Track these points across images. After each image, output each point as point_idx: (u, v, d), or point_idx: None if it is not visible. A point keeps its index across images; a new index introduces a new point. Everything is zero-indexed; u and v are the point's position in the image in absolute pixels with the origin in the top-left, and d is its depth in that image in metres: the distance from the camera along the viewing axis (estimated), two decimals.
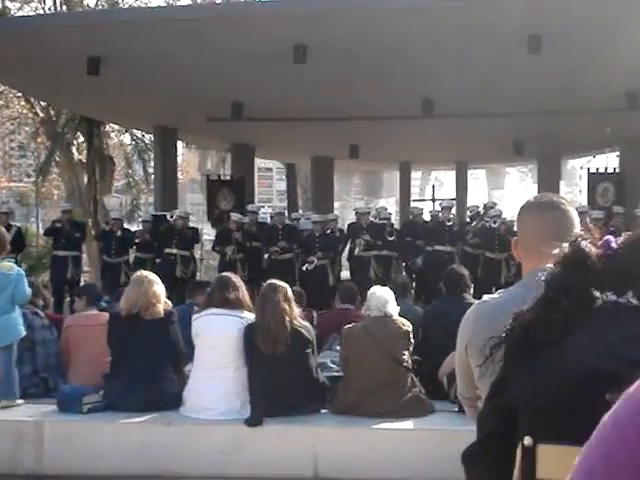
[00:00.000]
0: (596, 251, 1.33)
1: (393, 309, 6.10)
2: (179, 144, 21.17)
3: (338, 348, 6.48)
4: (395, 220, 17.75)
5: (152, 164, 21.77)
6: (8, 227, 11.25)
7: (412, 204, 21.84)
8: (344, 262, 14.61)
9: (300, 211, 20.40)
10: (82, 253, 14.91)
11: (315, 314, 7.89)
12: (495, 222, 13.15)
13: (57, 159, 24.76)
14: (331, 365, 6.49)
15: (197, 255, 15.61)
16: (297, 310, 5.98)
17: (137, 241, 13.97)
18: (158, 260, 13.42)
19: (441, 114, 13.15)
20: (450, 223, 13.68)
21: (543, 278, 1.35)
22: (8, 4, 23.65)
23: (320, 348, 6.65)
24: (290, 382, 5.70)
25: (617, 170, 17.92)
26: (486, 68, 10.95)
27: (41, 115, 23.97)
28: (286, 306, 5.84)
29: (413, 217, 15.18)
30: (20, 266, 7.49)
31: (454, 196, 22.52)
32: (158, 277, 6.38)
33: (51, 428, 5.91)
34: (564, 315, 1.28)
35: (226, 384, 5.83)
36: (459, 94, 12.08)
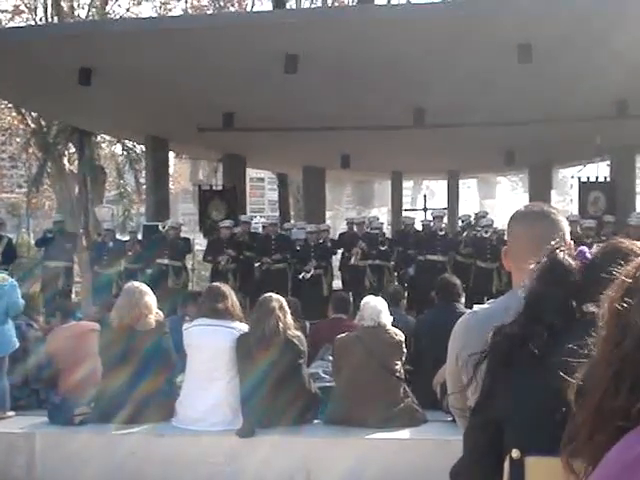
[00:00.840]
0: (574, 262, 1.33)
1: (386, 319, 6.09)
2: (170, 154, 21.15)
3: (330, 358, 6.47)
4: (387, 230, 17.75)
5: (144, 174, 21.75)
6: None
7: (404, 213, 21.89)
8: (335, 272, 14.62)
9: (292, 221, 20.41)
10: (74, 264, 14.87)
11: (308, 324, 7.88)
12: (487, 232, 13.16)
13: (48, 170, 24.72)
14: (323, 375, 6.48)
15: (189, 265, 15.58)
16: (291, 321, 5.98)
17: (129, 252, 13.94)
18: (149, 271, 13.39)
19: (432, 124, 13.18)
20: (442, 233, 13.70)
21: (522, 294, 1.35)
22: None
23: (312, 358, 6.64)
24: (282, 393, 5.68)
25: (608, 179, 17.98)
26: (477, 78, 10.98)
27: (32, 126, 23.99)
28: (281, 314, 5.85)
29: (405, 227, 15.20)
30: (12, 277, 7.47)
31: (446, 205, 22.60)
32: (149, 288, 6.37)
33: (42, 439, 5.89)
34: (547, 329, 1.28)
35: (218, 395, 5.81)
36: (450, 104, 12.11)
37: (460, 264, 13.22)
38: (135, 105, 13.70)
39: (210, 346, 5.88)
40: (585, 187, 17.56)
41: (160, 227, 14.02)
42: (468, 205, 28.70)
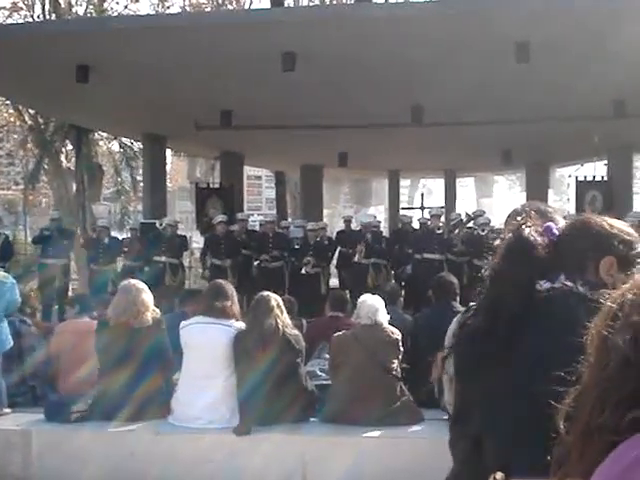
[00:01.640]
0: (540, 239, 1.31)
1: (383, 317, 6.09)
2: (168, 152, 21.12)
3: (327, 356, 6.47)
4: (384, 228, 17.75)
5: (141, 172, 21.74)
6: None
7: (401, 212, 21.87)
8: (332, 270, 14.62)
9: (289, 219, 20.41)
10: (71, 261, 14.85)
11: (304, 322, 7.87)
12: (483, 230, 13.16)
13: (46, 167, 24.69)
14: (320, 373, 6.48)
15: (186, 263, 15.57)
16: (289, 320, 5.98)
17: (125, 249, 13.94)
18: (146, 268, 13.38)
19: (430, 122, 13.17)
20: (439, 231, 13.69)
21: (485, 273, 1.32)
22: None
23: (309, 356, 6.64)
24: (280, 391, 5.68)
25: (605, 178, 18.01)
26: (475, 76, 10.98)
27: (29, 123, 23.95)
28: (278, 312, 5.86)
29: (402, 225, 15.20)
30: (9, 274, 7.47)
31: (443, 204, 22.58)
32: (146, 285, 6.36)
33: (39, 437, 5.88)
34: (508, 321, 1.26)
35: (215, 393, 5.81)
36: (448, 102, 12.11)
37: (452, 262, 13.18)
38: (133, 102, 13.68)
39: (207, 344, 5.87)
40: (582, 186, 17.59)
41: (157, 225, 14.00)
42: (465, 203, 28.72)
